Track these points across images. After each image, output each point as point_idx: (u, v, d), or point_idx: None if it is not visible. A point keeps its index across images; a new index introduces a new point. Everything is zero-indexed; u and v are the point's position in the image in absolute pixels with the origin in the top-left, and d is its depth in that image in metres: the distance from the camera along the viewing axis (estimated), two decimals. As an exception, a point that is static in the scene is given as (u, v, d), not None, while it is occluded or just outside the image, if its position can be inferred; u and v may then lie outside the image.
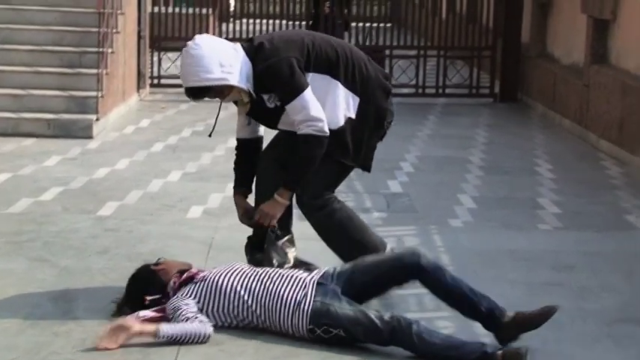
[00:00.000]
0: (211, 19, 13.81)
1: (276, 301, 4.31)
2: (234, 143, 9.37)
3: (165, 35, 12.94)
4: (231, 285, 4.37)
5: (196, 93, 4.74)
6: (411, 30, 13.62)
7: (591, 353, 4.40)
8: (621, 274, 5.55)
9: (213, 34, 13.91)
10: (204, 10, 13.51)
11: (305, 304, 4.29)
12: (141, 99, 11.97)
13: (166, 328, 4.21)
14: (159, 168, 8.11)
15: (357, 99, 4.80)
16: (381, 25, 13.52)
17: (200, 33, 12.91)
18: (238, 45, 4.79)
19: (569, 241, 6.21)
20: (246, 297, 4.34)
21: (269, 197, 4.84)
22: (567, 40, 11.16)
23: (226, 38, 13.77)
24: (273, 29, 12.63)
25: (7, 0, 10.72)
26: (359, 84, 4.80)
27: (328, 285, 4.36)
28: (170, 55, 12.84)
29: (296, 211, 5.02)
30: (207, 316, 4.35)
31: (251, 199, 5.13)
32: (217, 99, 4.86)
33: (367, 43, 12.79)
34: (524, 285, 5.27)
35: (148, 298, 4.45)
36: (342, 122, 4.76)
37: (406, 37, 13.06)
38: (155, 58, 12.75)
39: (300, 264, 4.84)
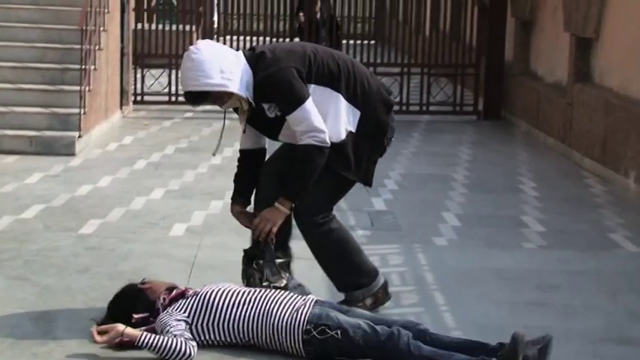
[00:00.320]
0: (195, 35, 13.77)
1: (273, 304, 4.28)
2: (217, 161, 9.44)
3: (148, 52, 12.92)
4: (224, 300, 4.33)
5: (195, 98, 4.69)
6: (394, 47, 13.64)
7: (576, 373, 4.38)
8: (605, 293, 5.53)
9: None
10: (187, 27, 13.50)
11: (305, 307, 4.27)
12: (124, 116, 11.92)
13: (149, 336, 4.19)
14: (141, 185, 8.06)
15: (359, 113, 4.75)
16: (365, 42, 13.54)
17: (183, 50, 13.04)
18: (240, 52, 4.74)
19: (553, 260, 6.20)
20: (238, 310, 4.30)
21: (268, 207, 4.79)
22: (550, 58, 11.19)
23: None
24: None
25: (-10, 16, 10.68)
26: (360, 98, 4.76)
27: (325, 303, 4.38)
28: (153, 72, 12.83)
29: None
30: (198, 330, 4.31)
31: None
32: (216, 105, 4.76)
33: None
34: (509, 304, 5.24)
35: (136, 316, 4.40)
36: (343, 136, 4.72)
37: (390, 55, 13.07)
38: (138, 75, 12.72)
39: (293, 288, 4.76)
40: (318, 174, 4.68)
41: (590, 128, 9.35)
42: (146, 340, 4.19)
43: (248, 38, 13.11)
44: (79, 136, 9.47)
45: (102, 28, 10.56)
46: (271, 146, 5.04)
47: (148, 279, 4.61)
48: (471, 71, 12.75)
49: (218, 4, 15.11)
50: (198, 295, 4.38)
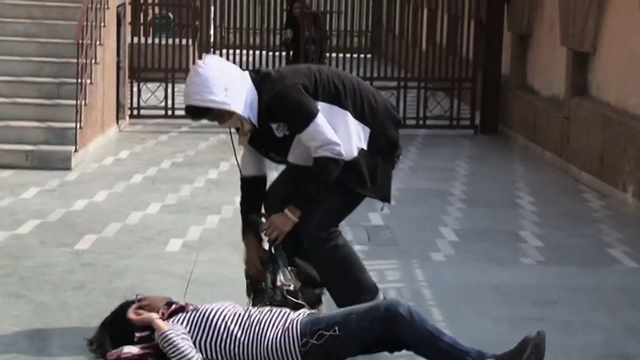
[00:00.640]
0: (191, 49, 13.76)
1: (265, 327, 4.25)
2: (213, 175, 9.42)
3: (144, 66, 12.90)
4: (223, 319, 4.30)
5: (195, 112, 4.66)
6: (391, 61, 13.64)
7: (576, 391, 4.35)
8: (604, 309, 5.50)
9: (193, 64, 13.88)
10: (184, 41, 13.48)
11: (294, 322, 4.24)
12: (120, 130, 11.89)
13: (174, 334, 4.17)
14: (138, 200, 8.03)
15: (368, 130, 4.74)
16: (362, 56, 13.53)
17: (180, 64, 13.04)
18: (246, 73, 4.72)
19: (551, 275, 6.17)
20: (236, 331, 4.26)
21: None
22: (547, 73, 11.19)
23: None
24: (253, 60, 12.62)
25: (-15, 31, 10.66)
26: (369, 115, 4.75)
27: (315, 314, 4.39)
28: (150, 85, 12.82)
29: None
30: (199, 348, 4.26)
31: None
32: (216, 122, 4.72)
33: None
34: (507, 320, 5.21)
35: (138, 335, 4.36)
36: (355, 152, 4.69)
37: (386, 69, 13.07)
38: (135, 89, 12.70)
39: (294, 305, 4.72)
40: (330, 192, 4.66)
41: (587, 142, 9.33)
42: (169, 336, 4.15)
43: (244, 52, 13.10)
44: (75, 151, 9.45)
45: (98, 42, 10.55)
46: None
47: (142, 295, 4.57)
48: (468, 85, 12.75)
49: (214, 18, 15.09)
50: (199, 312, 4.34)
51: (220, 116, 4.65)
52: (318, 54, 13.27)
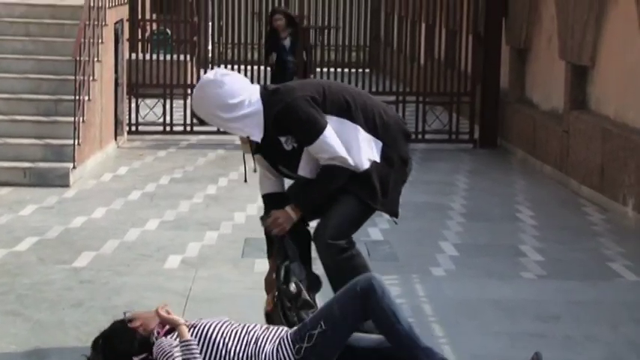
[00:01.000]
0: (189, 65, 13.76)
1: (262, 344, 4.22)
2: (212, 191, 9.38)
3: (142, 82, 12.89)
4: (222, 335, 4.26)
5: (202, 120, 4.79)
6: (389, 75, 13.62)
7: (578, 407, 4.31)
8: (606, 323, 5.46)
9: (192, 80, 13.87)
10: (182, 57, 13.47)
11: (287, 334, 4.25)
12: (118, 146, 11.87)
13: (194, 346, 4.14)
14: (136, 216, 8.00)
15: (380, 143, 4.75)
16: (360, 70, 13.52)
17: (178, 79, 13.03)
18: (257, 87, 4.75)
19: (552, 290, 6.13)
20: (235, 347, 4.23)
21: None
22: (546, 86, 11.18)
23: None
24: (252, 75, 12.59)
25: (-17, 48, 10.65)
26: (380, 129, 4.76)
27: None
28: (148, 101, 12.80)
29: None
30: None
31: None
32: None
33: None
34: (508, 336, 5.18)
35: (135, 358, 4.32)
36: (367, 165, 4.70)
37: (385, 83, 13.05)
38: (133, 105, 12.68)
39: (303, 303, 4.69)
40: (346, 202, 4.68)
41: (587, 156, 9.31)
42: (192, 346, 4.12)
43: (243, 67, 13.08)
44: (74, 167, 9.42)
45: (96, 59, 10.53)
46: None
47: (130, 312, 4.51)
48: (467, 99, 12.73)
49: (212, 34, 15.10)
50: (196, 328, 4.30)
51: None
52: (302, 68, 13.08)
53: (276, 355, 4.17)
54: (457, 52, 12.99)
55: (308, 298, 4.66)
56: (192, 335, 4.27)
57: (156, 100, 12.87)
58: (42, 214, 8.02)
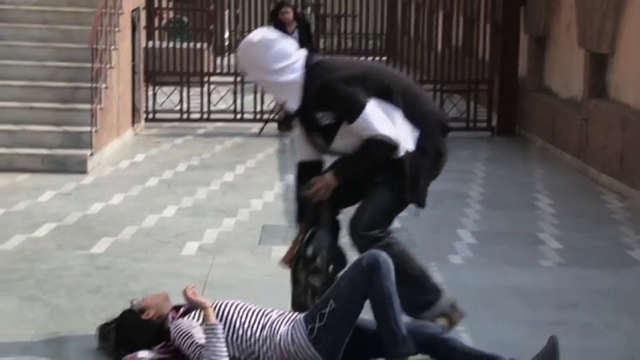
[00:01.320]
0: (206, 53, 13.76)
1: (277, 326, 4.24)
2: (229, 178, 9.38)
3: (159, 70, 12.90)
4: (238, 315, 4.27)
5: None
6: (406, 64, 13.58)
7: (598, 394, 4.28)
8: (625, 311, 5.43)
9: (208, 68, 13.87)
10: (198, 45, 13.47)
11: (300, 316, 4.27)
12: (136, 133, 11.88)
13: (220, 330, 4.13)
14: (154, 203, 8.00)
15: (417, 132, 4.66)
16: (377, 58, 13.48)
17: (195, 67, 13.02)
18: (303, 53, 4.66)
19: (571, 277, 6.10)
20: (249, 328, 4.24)
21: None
22: (565, 74, 11.11)
23: (222, 72, 13.81)
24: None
25: (1, 36, 10.68)
26: (419, 117, 4.67)
27: None
28: (165, 89, 12.81)
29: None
30: None
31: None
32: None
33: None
34: (527, 324, 5.15)
35: (156, 348, 4.32)
36: (402, 152, 4.62)
37: (402, 71, 12.99)
38: (150, 93, 12.69)
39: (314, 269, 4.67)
40: (378, 193, 4.60)
41: (606, 144, 9.25)
42: (218, 330, 4.11)
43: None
44: (91, 154, 9.44)
45: (113, 47, 10.54)
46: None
47: (137, 300, 4.49)
48: (484, 87, 12.67)
49: (229, 22, 15.08)
50: (212, 307, 4.29)
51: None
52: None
53: (291, 336, 4.18)
54: (475, 40, 12.93)
55: (320, 266, 4.61)
56: None
57: (173, 88, 12.88)
58: (60, 201, 8.04)
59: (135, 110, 11.98)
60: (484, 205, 8.27)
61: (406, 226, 7.41)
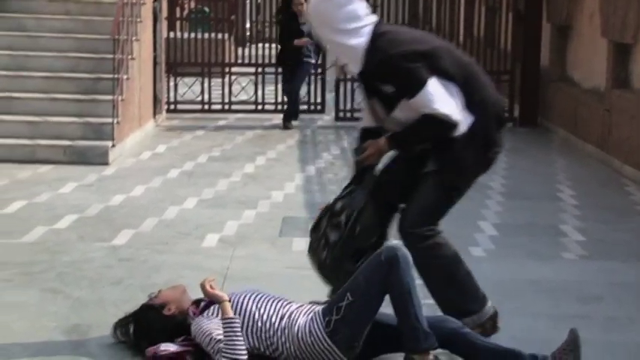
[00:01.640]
0: (227, 44, 13.74)
1: (296, 318, 4.24)
2: (250, 169, 9.38)
3: (181, 60, 12.91)
4: (257, 306, 4.27)
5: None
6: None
7: (620, 389, 4.25)
8: (649, 304, 5.39)
9: (229, 59, 13.85)
10: (220, 35, 13.46)
11: (318, 308, 4.26)
12: (157, 124, 11.90)
13: (237, 324, 4.13)
14: (174, 194, 8.01)
15: (471, 118, 4.49)
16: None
17: (216, 58, 13.02)
18: (373, 19, 4.56)
19: (593, 270, 6.06)
20: (268, 319, 4.24)
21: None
22: (588, 64, 11.03)
23: (243, 63, 13.79)
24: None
25: (23, 27, 10.71)
26: (478, 104, 4.51)
27: None
28: (186, 80, 12.82)
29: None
30: None
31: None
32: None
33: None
34: (548, 317, 5.11)
35: (178, 340, 4.33)
36: (458, 133, 4.46)
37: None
38: (171, 84, 12.71)
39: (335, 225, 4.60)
40: (427, 188, 4.50)
41: (629, 135, 9.18)
42: (235, 324, 4.11)
43: (279, 46, 13.03)
44: (113, 145, 9.46)
45: (134, 38, 10.55)
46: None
47: (154, 294, 4.48)
48: (506, 78, 12.60)
49: (250, 12, 15.07)
50: (232, 301, 4.29)
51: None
52: (314, 51, 12.40)
53: (308, 328, 4.18)
54: (497, 30, 12.85)
55: (343, 222, 4.53)
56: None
57: (194, 79, 12.89)
58: (82, 192, 8.06)
59: (156, 101, 12.00)
60: (505, 197, 8.22)
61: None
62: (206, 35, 12.99)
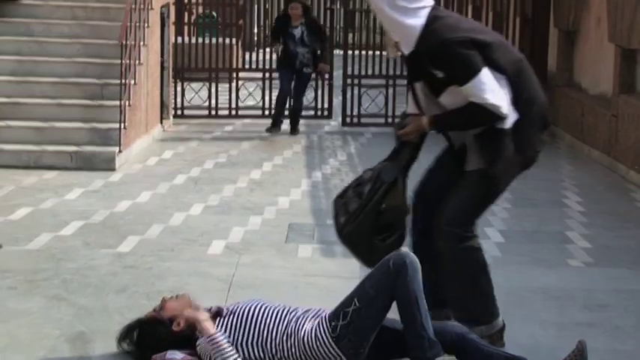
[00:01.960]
0: (235, 49, 13.75)
1: (302, 323, 4.24)
2: (256, 175, 9.37)
3: (188, 66, 12.92)
4: (261, 316, 4.27)
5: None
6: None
7: (626, 399, 4.23)
8: (655, 313, 5.36)
9: (237, 64, 13.86)
10: (227, 40, 13.46)
11: (325, 313, 4.26)
12: (164, 130, 11.91)
13: (222, 339, 4.14)
14: (181, 201, 8.01)
15: (516, 116, 4.44)
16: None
17: (224, 63, 13.02)
18: (431, 2, 4.49)
19: (600, 278, 6.03)
20: (274, 327, 4.25)
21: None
22: (594, 70, 11.00)
23: (250, 68, 13.78)
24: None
25: (31, 32, 10.73)
26: (523, 102, 4.46)
27: None
28: (194, 85, 12.83)
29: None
30: (237, 350, 4.23)
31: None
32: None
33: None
34: (555, 325, 5.09)
35: (186, 352, 4.33)
36: (506, 126, 4.40)
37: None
38: (179, 89, 12.72)
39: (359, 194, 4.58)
40: (467, 184, 4.46)
41: (636, 141, 9.15)
42: (217, 340, 4.12)
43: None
44: (119, 151, 9.46)
45: (142, 43, 10.56)
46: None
47: (161, 305, 4.45)
48: (514, 82, 12.56)
49: (258, 17, 15.08)
50: (235, 314, 4.30)
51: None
52: (313, 60, 11.98)
53: (315, 333, 4.17)
54: (504, 35, 12.81)
55: (365, 192, 4.49)
56: (232, 322, 4.27)
57: (201, 84, 12.89)
58: (88, 198, 8.06)
59: (163, 107, 12.01)
60: (511, 203, 8.20)
61: (433, 224, 7.38)
62: (214, 40, 13.00)
